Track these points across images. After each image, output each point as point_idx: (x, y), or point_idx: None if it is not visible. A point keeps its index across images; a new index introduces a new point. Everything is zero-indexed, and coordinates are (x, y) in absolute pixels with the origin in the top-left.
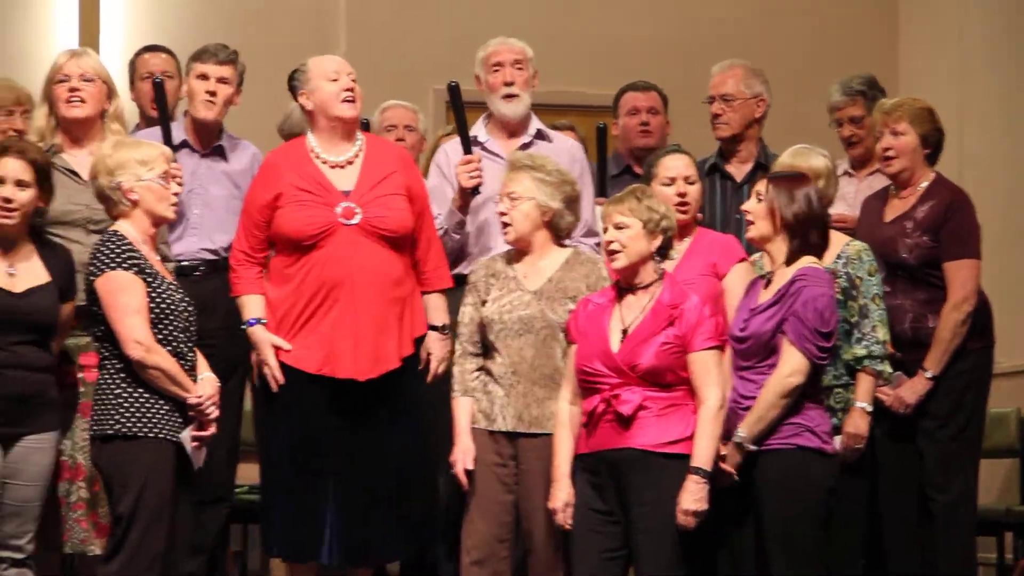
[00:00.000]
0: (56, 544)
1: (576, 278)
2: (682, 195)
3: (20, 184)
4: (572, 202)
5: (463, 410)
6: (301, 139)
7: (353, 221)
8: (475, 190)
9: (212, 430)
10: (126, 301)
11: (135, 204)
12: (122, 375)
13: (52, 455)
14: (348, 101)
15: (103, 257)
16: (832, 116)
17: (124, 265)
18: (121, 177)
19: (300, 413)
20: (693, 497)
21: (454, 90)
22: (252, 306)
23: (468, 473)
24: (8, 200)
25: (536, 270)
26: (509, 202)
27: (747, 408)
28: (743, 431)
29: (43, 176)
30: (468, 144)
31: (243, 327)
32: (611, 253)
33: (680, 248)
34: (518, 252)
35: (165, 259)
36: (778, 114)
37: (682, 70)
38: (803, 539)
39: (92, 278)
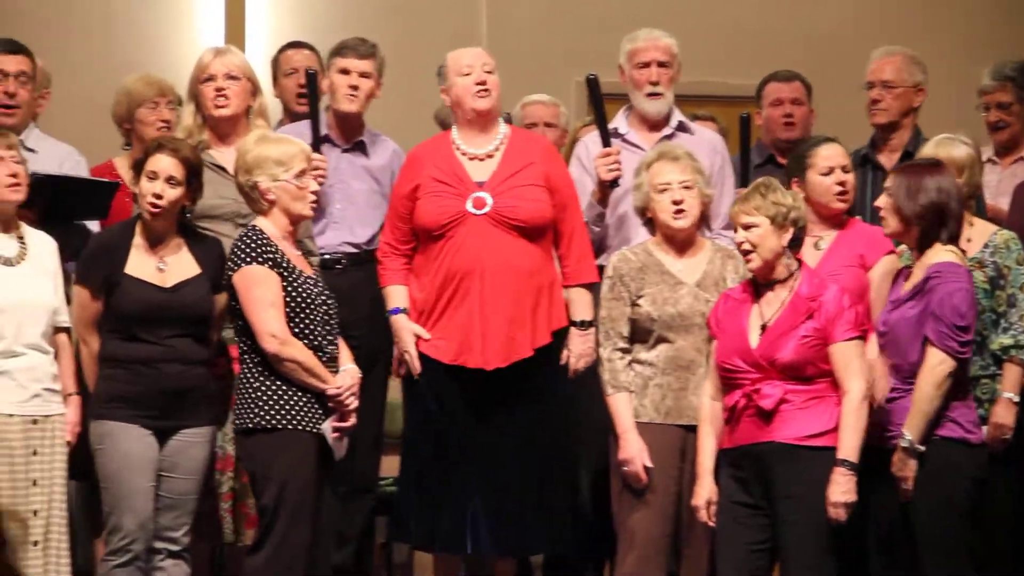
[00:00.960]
0: (213, 536)
1: (729, 271)
2: (841, 184)
3: (171, 181)
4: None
5: (623, 406)
6: (446, 132)
7: (483, 211)
8: (614, 182)
9: (352, 421)
10: (261, 295)
11: (272, 204)
12: (260, 368)
13: (208, 449)
14: (481, 94)
15: (240, 252)
16: (980, 100)
17: (259, 260)
18: (258, 177)
19: (436, 403)
20: (841, 489)
21: (593, 83)
22: (396, 296)
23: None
24: (158, 196)
25: (690, 263)
26: (683, 190)
27: (893, 400)
28: (909, 434)
29: (193, 174)
30: (607, 137)
31: (387, 316)
32: (745, 253)
33: (828, 238)
34: (665, 243)
35: (309, 253)
36: (932, 102)
37: (826, 59)
38: (948, 530)
39: (230, 272)
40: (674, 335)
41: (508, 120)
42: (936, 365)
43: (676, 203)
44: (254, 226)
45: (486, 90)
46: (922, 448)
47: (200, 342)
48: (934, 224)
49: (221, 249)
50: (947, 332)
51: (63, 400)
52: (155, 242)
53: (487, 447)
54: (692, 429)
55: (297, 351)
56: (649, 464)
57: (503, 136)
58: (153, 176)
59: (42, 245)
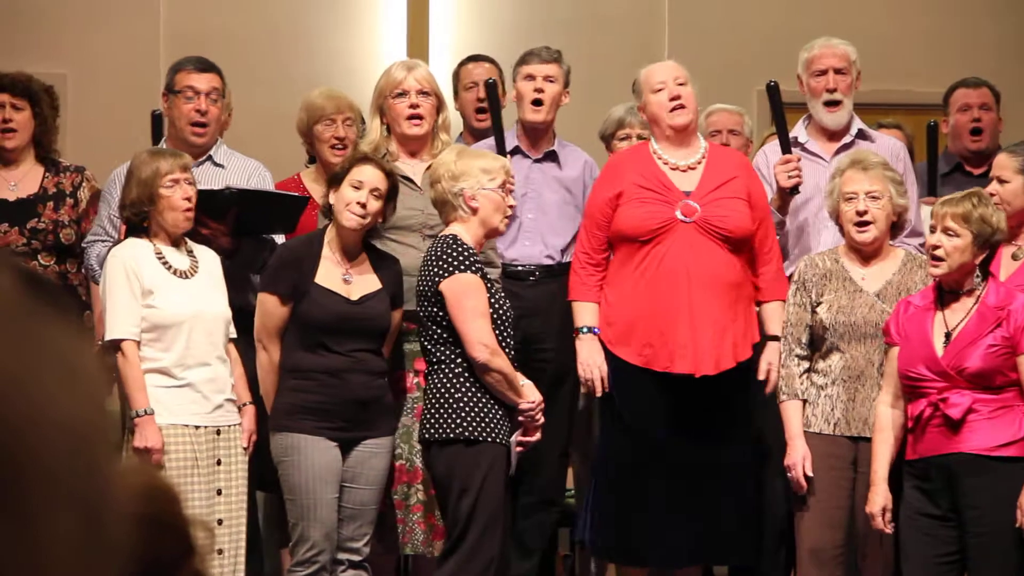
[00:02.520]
0: (394, 547)
1: (917, 282)
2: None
3: (375, 192)
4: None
5: (795, 413)
6: (645, 143)
7: (692, 219)
8: (794, 189)
9: (538, 436)
10: (473, 304)
11: (474, 211)
12: (461, 379)
13: (388, 459)
14: (676, 110)
15: (448, 259)
16: None
17: (472, 268)
18: (464, 183)
19: (635, 412)
20: None
21: (773, 90)
22: (587, 313)
23: (806, 478)
24: (362, 205)
25: (875, 271)
26: (869, 200)
27: None
28: None
29: (393, 191)
30: (787, 144)
31: (580, 332)
32: (934, 258)
33: None
34: (849, 251)
35: (491, 264)
36: None
37: (1015, 66)
38: None
39: (436, 280)
40: (846, 345)
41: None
42: None
43: (860, 214)
44: (454, 235)
45: (681, 105)
46: None
47: (379, 355)
48: None
49: (399, 266)
50: None
51: (238, 410)
52: (344, 254)
53: (683, 456)
54: (862, 440)
55: (504, 362)
56: (810, 473)
57: (704, 149)
58: (359, 186)
59: (209, 258)
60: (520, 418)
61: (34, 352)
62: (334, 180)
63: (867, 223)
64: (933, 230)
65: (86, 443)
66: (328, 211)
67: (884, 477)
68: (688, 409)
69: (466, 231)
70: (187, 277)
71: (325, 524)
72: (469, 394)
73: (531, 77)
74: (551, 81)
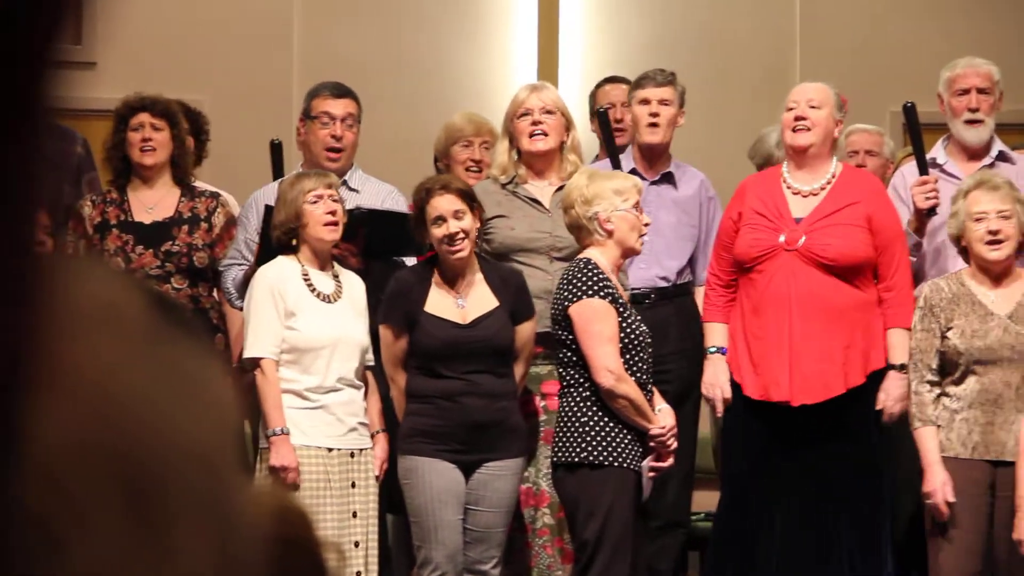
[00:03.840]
0: (523, 570)
1: None
2: None
3: (457, 215)
4: None
5: (930, 440)
6: (778, 166)
7: (795, 247)
8: (932, 211)
9: (671, 461)
10: (600, 329)
11: (610, 234)
12: (589, 403)
13: (515, 481)
14: (797, 129)
15: (579, 283)
16: None
17: (601, 293)
18: (598, 207)
19: (745, 438)
20: None
21: (910, 111)
22: (716, 334)
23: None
24: (453, 237)
25: (1005, 293)
26: (1001, 220)
27: None
28: None
29: (471, 198)
30: (924, 165)
31: (708, 352)
32: None
33: None
34: (979, 273)
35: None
36: None
37: None
38: None
39: (566, 303)
40: (982, 368)
41: None
42: None
43: (992, 232)
44: (588, 259)
45: (804, 127)
46: None
47: (502, 376)
48: None
49: (520, 279)
50: None
51: (371, 437)
52: (453, 279)
53: (795, 484)
54: (1001, 464)
55: (630, 388)
56: (952, 499)
57: (832, 174)
58: (440, 219)
59: (354, 284)
60: (651, 443)
61: (165, 375)
62: (419, 221)
63: (999, 241)
64: None
65: (214, 467)
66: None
67: None
68: (797, 436)
69: (602, 254)
70: (331, 301)
71: (448, 546)
72: (596, 418)
73: (646, 101)
74: (666, 104)
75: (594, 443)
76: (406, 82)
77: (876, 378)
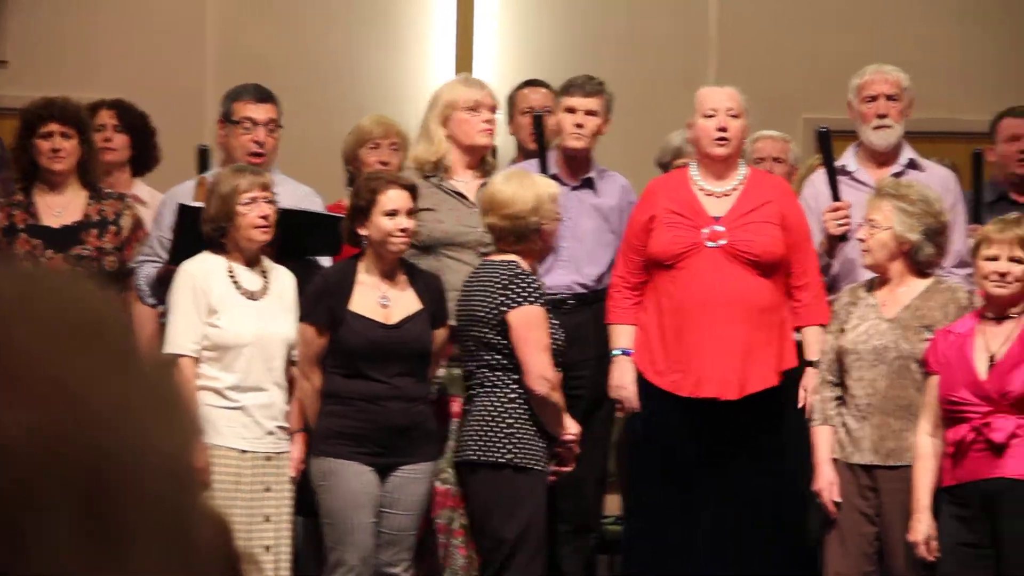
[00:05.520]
0: (434, 572)
1: (933, 307)
2: None
3: (410, 214)
4: (935, 234)
5: (823, 439)
6: (685, 168)
7: (718, 244)
8: (843, 237)
9: (572, 467)
10: (538, 337)
11: (545, 241)
12: (515, 405)
13: (428, 484)
14: (720, 142)
15: (518, 290)
16: None
17: (541, 301)
18: (540, 215)
19: (666, 437)
20: None
21: (824, 136)
22: (622, 335)
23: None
24: (404, 231)
25: (894, 298)
26: (869, 229)
27: None
28: None
29: (416, 202)
30: (837, 191)
31: (612, 354)
32: (1002, 280)
33: None
34: (880, 280)
35: None
36: None
37: None
38: None
39: (503, 309)
40: (866, 371)
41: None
42: None
43: (860, 240)
44: (515, 263)
45: (725, 139)
46: None
47: (421, 379)
48: None
49: (439, 284)
50: None
51: (290, 437)
52: (381, 278)
53: (713, 483)
54: (884, 468)
55: (559, 396)
56: (838, 498)
57: (743, 177)
58: (393, 213)
59: (283, 279)
60: (559, 449)
61: (140, 390)
62: (359, 212)
63: (866, 250)
64: (995, 258)
65: (181, 482)
66: (354, 240)
67: (927, 506)
68: (715, 434)
69: (523, 259)
70: (256, 298)
71: (361, 548)
72: (520, 421)
73: (572, 110)
74: (592, 115)
75: (520, 446)
76: (322, 84)
77: (787, 375)
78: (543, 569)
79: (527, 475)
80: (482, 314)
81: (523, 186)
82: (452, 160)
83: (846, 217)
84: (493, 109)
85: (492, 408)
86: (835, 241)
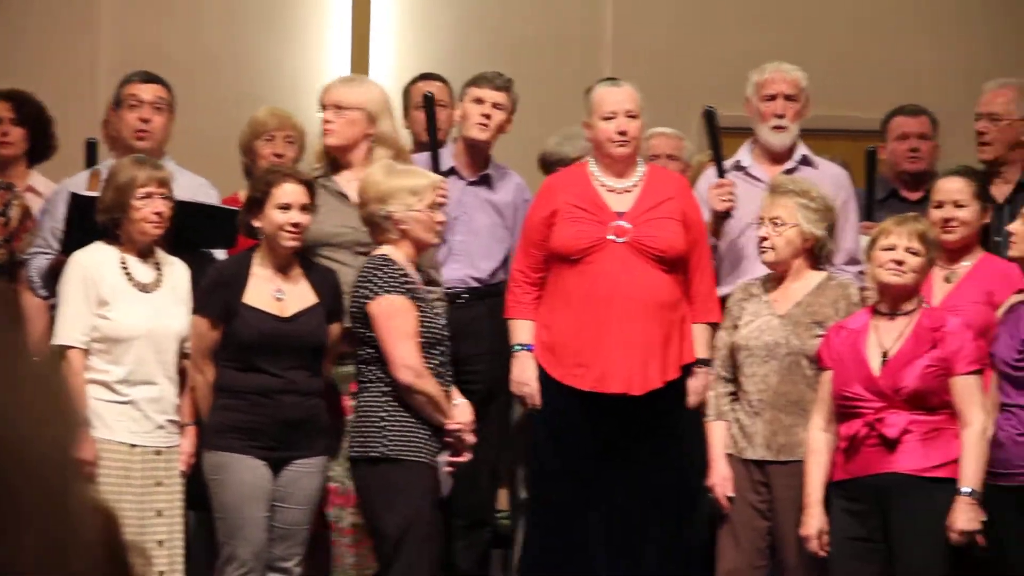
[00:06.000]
0: (325, 569)
1: (824, 303)
2: (947, 219)
3: (304, 209)
4: (833, 230)
5: (718, 435)
6: (583, 163)
7: (623, 239)
8: (727, 214)
9: (468, 456)
10: (399, 325)
11: (404, 234)
12: (388, 398)
13: (320, 479)
14: (621, 144)
15: (378, 281)
16: None
17: (400, 289)
18: (392, 207)
19: (566, 432)
20: (966, 517)
21: (710, 115)
22: (522, 330)
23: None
24: (296, 225)
25: (787, 294)
26: (772, 227)
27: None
28: None
29: (313, 199)
30: (722, 169)
31: (513, 349)
32: (897, 274)
33: (960, 272)
34: (773, 276)
35: (431, 283)
36: None
37: (953, 94)
38: None
39: (364, 300)
40: (758, 367)
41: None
42: None
43: (761, 239)
44: (384, 255)
45: (626, 141)
46: None
47: (315, 373)
48: None
49: (335, 278)
50: None
51: (180, 430)
52: (275, 271)
53: (613, 477)
54: (776, 463)
55: (429, 384)
56: (731, 493)
57: (641, 173)
58: (287, 207)
59: (176, 271)
60: (447, 439)
61: (20, 374)
62: (255, 204)
63: (765, 248)
64: (891, 248)
65: (64, 466)
66: (250, 232)
67: (819, 500)
68: (618, 429)
69: (397, 251)
70: (148, 291)
71: (254, 543)
72: (396, 414)
73: (480, 101)
74: (499, 108)
75: (394, 438)
76: (218, 75)
77: (688, 371)
78: (434, 564)
79: (403, 468)
80: (354, 309)
81: (385, 176)
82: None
83: (730, 194)
84: (338, 107)
85: (368, 403)
86: (719, 218)
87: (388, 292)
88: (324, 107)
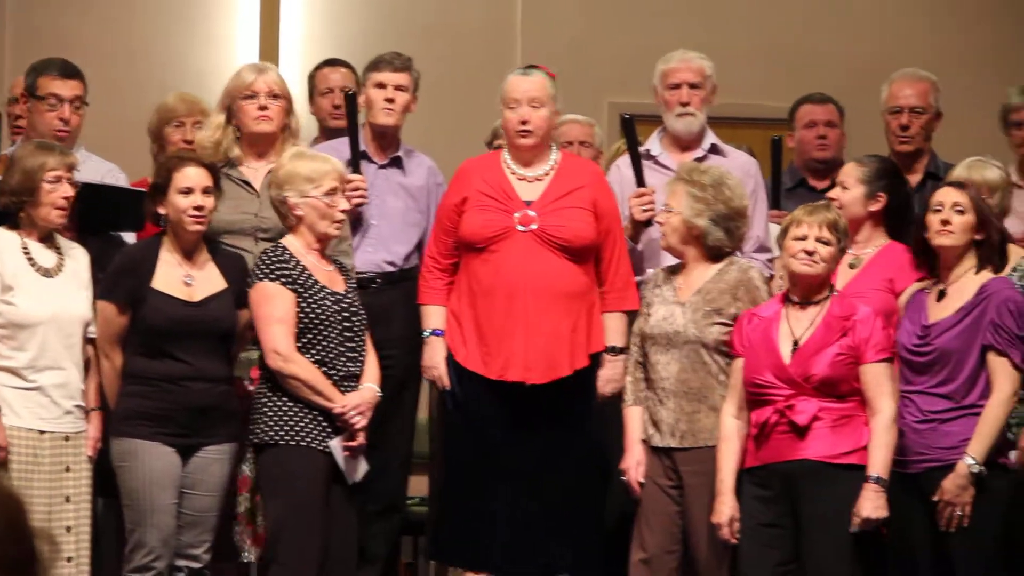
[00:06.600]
0: (229, 555)
1: (724, 289)
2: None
3: (207, 191)
4: (727, 219)
5: (634, 420)
6: (498, 151)
7: (529, 228)
8: (648, 223)
9: (359, 440)
10: (268, 311)
11: (299, 220)
12: (269, 384)
13: (230, 466)
14: (523, 134)
15: (258, 268)
16: (1006, 119)
17: (271, 276)
18: (287, 192)
19: (475, 418)
20: (873, 505)
21: (628, 123)
22: (434, 316)
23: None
24: (200, 208)
25: (689, 283)
26: (665, 213)
27: (928, 423)
28: (975, 458)
29: (217, 183)
30: (642, 178)
31: (423, 335)
32: (809, 263)
33: (864, 258)
34: (682, 264)
35: (343, 269)
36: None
37: (859, 82)
38: (985, 552)
39: (247, 288)
40: (656, 355)
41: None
42: (1011, 393)
43: (659, 224)
44: (279, 243)
45: (527, 130)
46: (983, 472)
47: (224, 359)
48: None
49: (244, 263)
50: (1014, 340)
51: (86, 415)
52: (183, 257)
53: (520, 464)
54: (683, 450)
55: (300, 368)
56: (642, 479)
57: (554, 161)
58: (188, 191)
59: (77, 256)
60: (338, 423)
61: None
62: (157, 190)
63: (663, 234)
64: (803, 238)
65: None
66: (156, 219)
67: (731, 487)
68: (524, 416)
69: (296, 238)
70: (51, 276)
71: (162, 529)
72: (275, 399)
73: (382, 85)
74: (401, 90)
75: (272, 423)
76: (127, 61)
77: (596, 360)
78: (318, 550)
79: (285, 453)
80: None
81: (288, 161)
82: (243, 149)
83: (651, 203)
84: (274, 95)
85: (258, 390)
86: (640, 227)
87: (262, 279)
88: (253, 95)
